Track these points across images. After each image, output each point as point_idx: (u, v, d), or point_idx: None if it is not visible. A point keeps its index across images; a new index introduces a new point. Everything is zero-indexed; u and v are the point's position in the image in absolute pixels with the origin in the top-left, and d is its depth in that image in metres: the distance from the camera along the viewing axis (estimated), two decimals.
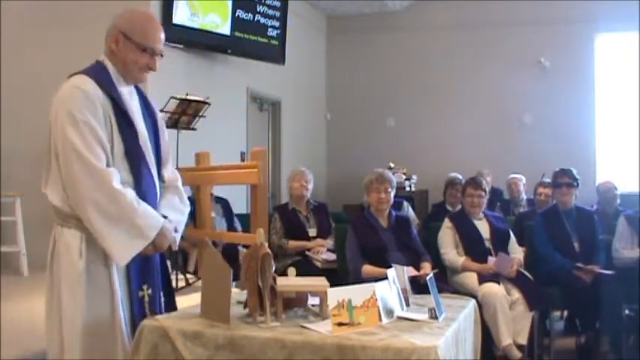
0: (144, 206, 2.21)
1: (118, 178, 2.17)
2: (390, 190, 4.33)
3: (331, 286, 2.23)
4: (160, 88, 5.14)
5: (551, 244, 4.65)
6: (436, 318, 2.28)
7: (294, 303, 2.34)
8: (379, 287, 2.28)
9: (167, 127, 4.49)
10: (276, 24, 7.29)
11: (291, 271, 2.40)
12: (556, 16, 8.25)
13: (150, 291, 2.33)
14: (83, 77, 2.23)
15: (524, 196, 6.66)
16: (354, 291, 2.19)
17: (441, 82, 8.83)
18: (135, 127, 2.29)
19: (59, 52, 5.47)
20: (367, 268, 4.12)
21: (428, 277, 2.52)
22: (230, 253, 4.13)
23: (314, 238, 5.11)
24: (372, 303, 2.19)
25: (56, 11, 5.74)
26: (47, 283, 2.25)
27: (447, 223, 4.63)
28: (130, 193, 2.18)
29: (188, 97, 4.83)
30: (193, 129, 5.11)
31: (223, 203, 5.21)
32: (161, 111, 4.53)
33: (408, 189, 8.12)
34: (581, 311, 4.61)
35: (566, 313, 5.33)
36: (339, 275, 4.44)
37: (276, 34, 7.30)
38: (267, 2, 7.15)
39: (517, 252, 4.57)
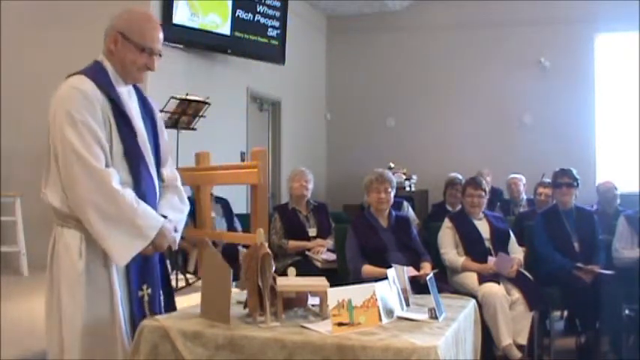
0: (143, 206, 2.20)
1: (117, 178, 2.17)
2: (390, 190, 4.33)
3: (331, 286, 2.23)
4: (160, 88, 5.15)
5: (551, 244, 4.65)
6: (436, 318, 2.28)
7: (294, 303, 2.34)
8: (379, 287, 2.28)
9: (167, 127, 4.52)
10: (276, 24, 7.29)
11: (291, 271, 2.40)
12: (556, 16, 8.25)
13: (149, 291, 2.33)
14: (81, 77, 2.23)
15: (524, 196, 6.66)
16: (354, 291, 2.19)
17: (441, 82, 8.83)
18: (134, 127, 2.29)
19: (59, 52, 5.47)
20: (367, 268, 4.12)
21: (428, 277, 2.52)
22: (230, 253, 4.13)
23: (314, 238, 5.11)
24: (372, 303, 2.19)
25: (56, 11, 5.74)
26: (47, 283, 2.25)
27: (447, 223, 4.63)
28: (130, 194, 2.18)
29: (188, 97, 4.83)
30: (193, 129, 5.11)
31: (223, 203, 5.21)
32: (161, 111, 4.54)
33: (408, 189, 8.12)
34: (581, 311, 4.61)
35: (566, 313, 5.33)
36: (339, 275, 4.44)
37: (276, 34, 7.30)
38: (267, 2, 7.15)
39: (517, 252, 4.57)
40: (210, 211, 4.65)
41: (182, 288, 4.32)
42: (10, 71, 5.70)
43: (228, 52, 6.75)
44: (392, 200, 4.39)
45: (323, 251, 4.99)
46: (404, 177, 8.11)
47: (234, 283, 2.42)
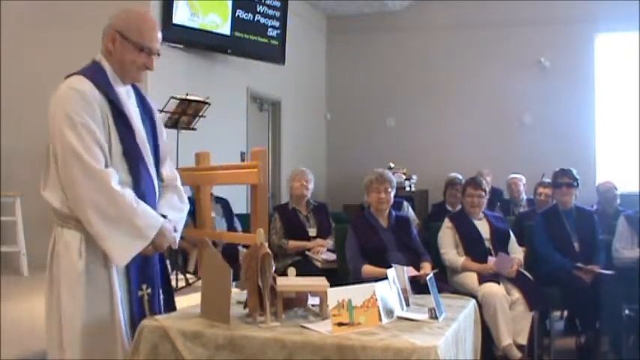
0: (143, 206, 2.20)
1: (116, 178, 2.17)
2: (390, 190, 4.33)
3: (331, 286, 2.24)
4: (160, 88, 5.16)
5: (551, 244, 4.65)
6: (436, 318, 2.28)
7: (294, 303, 2.34)
8: (379, 287, 2.28)
9: (167, 127, 4.53)
10: (276, 24, 7.29)
11: (291, 271, 2.40)
12: (556, 16, 8.25)
13: (149, 290, 2.33)
14: (80, 78, 2.23)
15: (524, 196, 6.66)
16: (354, 291, 2.19)
17: (441, 82, 8.83)
18: (132, 126, 2.29)
19: (59, 52, 5.47)
20: (367, 268, 4.12)
21: (428, 277, 2.52)
22: (230, 253, 4.13)
23: (314, 238, 5.11)
24: (372, 303, 2.19)
25: (56, 11, 5.74)
26: (47, 283, 2.25)
27: (447, 223, 4.63)
28: (129, 194, 2.18)
29: (188, 97, 4.83)
30: (193, 129, 5.11)
31: (223, 203, 5.21)
32: (161, 111, 4.54)
33: (408, 189, 8.12)
34: (581, 311, 4.61)
35: (566, 313, 5.33)
36: (339, 275, 4.44)
37: (276, 34, 7.30)
38: (267, 2, 7.15)
39: (517, 252, 4.57)
40: (210, 211, 4.65)
41: (182, 288, 4.32)
42: (10, 71, 5.70)
43: (228, 52, 6.75)
44: (392, 200, 4.39)
45: (323, 251, 4.98)
46: (404, 177, 8.11)
47: (234, 283, 2.42)
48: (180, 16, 6.03)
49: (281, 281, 2.28)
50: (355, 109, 9.26)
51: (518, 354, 4.09)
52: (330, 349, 1.95)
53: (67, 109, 2.15)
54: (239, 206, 6.07)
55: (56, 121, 2.16)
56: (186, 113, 4.92)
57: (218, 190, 5.06)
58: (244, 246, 4.39)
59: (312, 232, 5.15)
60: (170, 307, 2.47)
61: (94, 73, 2.26)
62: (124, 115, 2.27)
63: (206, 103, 4.99)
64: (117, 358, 2.21)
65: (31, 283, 4.69)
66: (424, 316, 2.31)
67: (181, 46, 6.16)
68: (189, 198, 2.66)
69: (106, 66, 2.30)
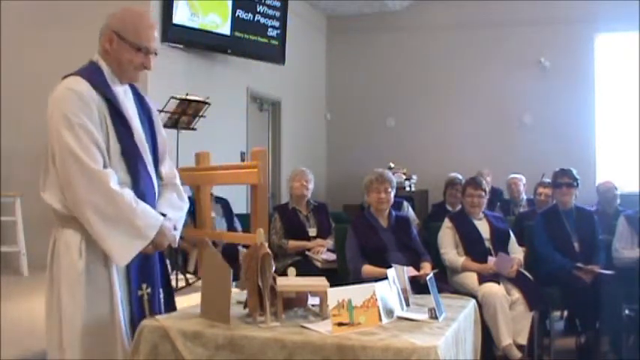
0: (142, 206, 2.21)
1: (115, 178, 2.17)
2: (390, 190, 4.33)
3: (331, 286, 2.24)
4: (160, 88, 5.16)
5: (551, 244, 4.65)
6: (436, 318, 2.28)
7: (294, 303, 2.34)
8: (379, 287, 2.28)
9: (167, 127, 4.53)
10: (276, 24, 7.29)
11: (291, 271, 2.40)
12: (556, 16, 8.25)
13: (149, 290, 2.33)
14: (77, 79, 2.22)
15: (524, 196, 6.66)
16: (354, 291, 2.19)
17: (441, 82, 8.83)
18: (130, 126, 2.29)
19: (59, 52, 5.46)
20: (367, 268, 4.12)
21: (428, 277, 2.52)
22: (230, 253, 4.13)
23: (314, 238, 5.11)
24: (372, 303, 2.19)
25: (56, 11, 5.74)
26: (47, 283, 2.25)
27: (447, 223, 4.63)
28: (128, 194, 2.18)
29: (188, 97, 4.83)
30: (193, 129, 5.11)
31: (223, 203, 5.21)
32: (161, 111, 4.54)
33: (408, 189, 8.12)
34: (581, 311, 4.61)
35: (566, 313, 5.33)
36: (339, 275, 4.44)
37: (276, 34, 7.30)
38: (267, 2, 7.15)
39: (517, 252, 4.57)
40: (210, 211, 4.65)
41: (182, 288, 4.32)
42: (10, 71, 5.70)
43: (228, 52, 6.75)
44: (392, 200, 4.39)
45: (323, 251, 4.98)
46: (404, 177, 8.11)
47: (234, 283, 2.42)
48: (180, 16, 6.03)
49: (281, 281, 2.28)
50: (355, 109, 9.26)
51: (518, 354, 4.09)
52: (330, 349, 1.95)
53: (64, 109, 2.14)
54: (239, 206, 6.07)
55: (54, 122, 2.16)
56: (186, 113, 4.92)
57: (218, 190, 5.06)
58: (244, 246, 4.39)
59: (312, 232, 5.15)
60: (170, 306, 2.47)
61: (91, 74, 2.26)
62: (122, 114, 2.27)
63: (206, 103, 4.99)
64: (117, 358, 2.21)
65: (31, 283, 4.69)
66: (424, 316, 2.31)
67: (181, 46, 6.16)
68: (189, 198, 2.66)
69: (103, 66, 2.30)
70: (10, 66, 5.71)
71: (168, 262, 2.72)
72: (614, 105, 8.36)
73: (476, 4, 8.60)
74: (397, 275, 2.51)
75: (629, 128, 8.06)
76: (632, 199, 6.18)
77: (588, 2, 8.06)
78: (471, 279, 4.31)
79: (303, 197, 5.28)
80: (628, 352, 4.28)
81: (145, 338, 2.15)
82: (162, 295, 2.41)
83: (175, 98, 4.78)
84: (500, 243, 4.51)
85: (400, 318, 2.29)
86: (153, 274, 2.36)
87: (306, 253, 5.00)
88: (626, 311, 4.39)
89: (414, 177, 8.26)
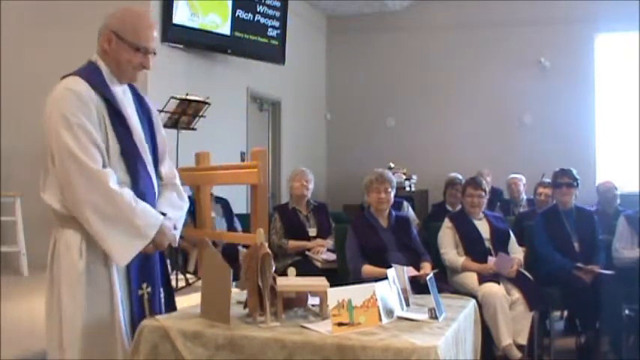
0: (142, 205, 2.20)
1: (114, 178, 2.17)
2: (390, 190, 4.33)
3: (331, 286, 2.24)
4: (160, 88, 5.16)
5: (551, 244, 4.65)
6: (436, 318, 2.28)
7: (294, 303, 2.34)
8: (379, 287, 2.28)
9: (167, 127, 4.53)
10: (276, 24, 7.29)
11: (291, 271, 2.40)
12: (556, 16, 8.26)
13: (149, 289, 2.33)
14: (76, 79, 2.22)
15: (524, 196, 6.66)
16: (354, 291, 2.19)
17: (441, 82, 8.83)
18: (129, 126, 2.28)
19: (59, 52, 5.46)
20: (367, 268, 4.12)
21: (428, 277, 2.52)
22: (230, 253, 4.13)
23: (314, 238, 5.11)
24: (372, 303, 2.19)
25: (56, 11, 5.74)
26: (47, 283, 2.25)
27: (447, 223, 4.63)
28: (128, 193, 2.18)
29: (188, 97, 4.83)
30: (193, 129, 5.11)
31: (223, 203, 5.21)
32: (161, 111, 4.54)
33: (408, 189, 8.12)
34: (581, 311, 4.61)
35: (566, 313, 5.33)
36: (339, 275, 4.44)
37: (276, 34, 7.31)
38: (267, 2, 7.15)
39: (517, 252, 4.57)
40: (210, 211, 4.65)
41: (182, 288, 4.32)
42: (10, 71, 5.70)
43: (228, 52, 6.75)
44: (392, 200, 4.39)
45: (323, 251, 4.99)
46: (404, 177, 8.11)
47: (234, 283, 2.42)
48: (180, 16, 6.03)
49: (281, 281, 2.28)
50: (355, 109, 9.26)
51: (518, 354, 4.09)
52: (330, 349, 1.95)
53: (62, 109, 2.14)
54: (239, 206, 6.07)
55: (52, 122, 2.15)
56: (186, 113, 4.92)
57: (218, 190, 5.06)
58: (244, 246, 4.39)
59: (312, 232, 5.15)
60: (170, 306, 2.47)
61: (90, 74, 2.26)
62: (121, 114, 2.27)
63: (206, 103, 4.99)
64: (117, 358, 2.21)
65: (31, 283, 4.69)
66: (424, 316, 2.31)
67: (181, 46, 6.16)
68: (189, 198, 2.66)
69: (101, 66, 2.30)
70: (10, 66, 5.71)
71: (168, 261, 2.72)
72: (614, 105, 8.36)
73: (476, 4, 8.60)
74: (397, 275, 2.51)
75: (629, 128, 8.07)
76: (632, 199, 6.18)
77: (588, 2, 8.06)
78: (471, 279, 4.31)
79: (303, 197, 5.28)
80: (628, 352, 4.28)
81: (145, 338, 2.15)
82: (162, 295, 2.41)
83: (175, 98, 4.78)
84: (500, 243, 4.51)
85: (400, 318, 2.29)
86: (153, 274, 2.36)
87: (306, 253, 5.00)
88: (626, 311, 4.39)
89: (414, 177, 8.27)
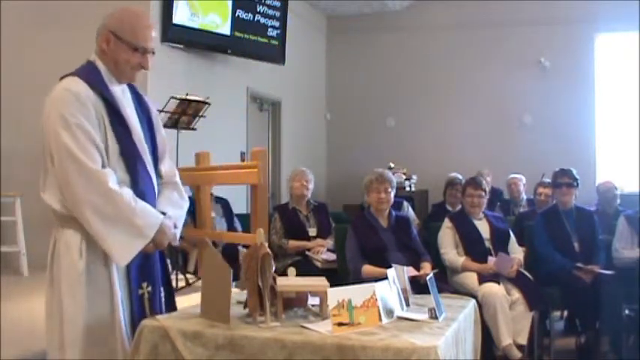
0: (141, 205, 2.20)
1: (113, 178, 2.17)
2: (390, 190, 4.33)
3: (331, 286, 2.24)
4: (160, 88, 5.16)
5: (551, 244, 4.65)
6: (436, 318, 2.28)
7: (294, 303, 2.34)
8: (379, 287, 2.28)
9: (167, 127, 4.53)
10: (276, 24, 7.29)
11: (291, 271, 2.40)
12: (556, 16, 8.26)
13: (149, 289, 2.33)
14: (74, 79, 2.22)
15: (524, 196, 6.66)
16: (354, 291, 2.19)
17: (441, 82, 8.83)
18: (128, 125, 2.28)
19: (59, 52, 5.46)
20: (367, 268, 4.12)
21: (428, 277, 2.52)
22: (230, 253, 4.13)
23: (314, 237, 5.11)
24: (372, 303, 2.19)
25: (56, 11, 5.74)
26: (47, 283, 2.25)
27: (447, 223, 4.63)
28: (127, 193, 2.18)
29: (188, 97, 4.83)
30: (193, 129, 5.11)
31: (223, 203, 5.21)
32: (161, 111, 4.54)
33: (408, 189, 8.13)
34: (581, 311, 4.61)
35: (566, 313, 5.32)
36: (339, 275, 4.44)
37: (276, 34, 7.31)
38: (267, 2, 7.15)
39: (517, 252, 4.57)
40: (210, 211, 4.65)
41: (182, 288, 4.32)
42: (10, 71, 5.70)
43: (228, 52, 6.75)
44: (392, 200, 4.39)
45: (323, 251, 4.98)
46: (404, 177, 8.11)
47: (234, 283, 2.42)
48: (180, 16, 6.03)
49: (281, 281, 2.28)
50: (355, 109, 9.26)
51: (518, 354, 4.09)
52: (330, 349, 1.95)
53: (61, 110, 2.14)
54: (239, 206, 6.07)
55: (51, 122, 2.15)
56: (186, 113, 4.92)
57: (218, 190, 5.06)
58: (244, 246, 4.39)
59: (312, 232, 5.15)
60: (171, 305, 2.47)
61: (89, 74, 2.26)
62: (120, 114, 2.27)
63: (206, 103, 4.99)
64: (117, 357, 2.21)
65: (31, 283, 4.69)
66: (424, 316, 2.31)
67: (181, 46, 6.16)
68: (189, 198, 2.66)
69: (100, 66, 2.30)
70: (10, 66, 5.71)
71: (168, 261, 2.72)
72: (614, 105, 8.36)
73: (476, 4, 8.60)
74: (397, 275, 2.51)
75: (629, 128, 8.06)
76: (632, 199, 6.18)
77: (588, 2, 8.06)
78: (471, 279, 4.31)
79: (304, 197, 5.28)
80: (628, 352, 4.28)
81: (145, 338, 2.15)
82: (162, 294, 2.41)
83: (175, 98, 4.78)
84: (500, 243, 4.51)
85: (400, 318, 2.29)
86: (153, 273, 2.36)
87: (306, 253, 5.00)
88: (626, 311, 4.39)
89: (414, 177, 8.27)
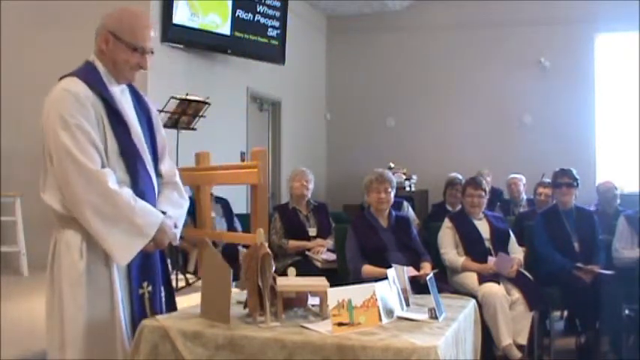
0: (141, 204, 2.20)
1: (113, 178, 2.17)
2: (390, 190, 4.33)
3: (331, 286, 2.24)
4: (160, 88, 5.16)
5: (551, 244, 4.65)
6: (436, 318, 2.28)
7: (294, 303, 2.34)
8: (379, 287, 2.28)
9: (167, 127, 4.53)
10: (276, 24, 7.29)
11: (291, 271, 2.40)
12: (556, 16, 8.25)
13: (150, 288, 2.33)
14: (73, 79, 2.22)
15: (524, 196, 6.66)
16: (354, 291, 2.19)
17: (441, 82, 8.83)
18: (128, 125, 2.28)
19: (59, 52, 5.45)
20: (367, 268, 4.12)
21: (428, 277, 2.52)
22: (230, 253, 4.13)
23: (314, 237, 5.11)
24: (372, 303, 2.19)
25: (56, 11, 5.74)
26: (48, 283, 2.25)
27: (447, 223, 4.63)
28: (127, 192, 2.18)
29: (188, 97, 4.83)
30: (193, 129, 5.11)
31: (223, 203, 5.21)
32: (161, 111, 4.54)
33: (408, 189, 8.12)
34: (581, 311, 4.61)
35: (566, 313, 5.33)
36: (339, 275, 4.44)
37: (276, 34, 7.31)
38: (267, 2, 7.15)
39: (517, 252, 4.57)
40: (210, 211, 4.65)
41: (182, 288, 4.32)
42: (10, 71, 5.70)
43: (228, 52, 6.75)
44: (392, 200, 4.39)
45: (323, 251, 4.99)
46: (404, 177, 8.11)
47: (234, 283, 2.42)
48: (180, 16, 6.03)
49: (281, 281, 2.28)
50: (355, 109, 9.26)
51: (518, 354, 4.09)
52: (330, 349, 1.95)
53: (60, 110, 2.14)
54: (239, 206, 6.07)
55: (50, 123, 2.16)
56: (186, 113, 4.92)
57: (218, 190, 5.06)
58: (244, 246, 4.39)
59: (312, 232, 5.16)
60: (171, 305, 2.47)
61: (87, 74, 2.26)
62: (119, 114, 2.27)
63: (206, 103, 4.99)
64: (117, 357, 2.21)
65: (31, 283, 4.69)
66: (424, 316, 2.31)
67: (181, 46, 6.16)
68: (189, 198, 2.66)
69: (99, 66, 2.30)
70: (10, 66, 5.71)
71: (169, 261, 2.72)
72: (614, 105, 8.35)
73: (476, 4, 8.60)
74: (397, 275, 2.51)
75: (629, 128, 8.06)
76: (632, 199, 6.18)
77: (588, 2, 8.06)
78: (471, 279, 4.31)
79: (303, 197, 5.28)
80: (628, 352, 4.28)
81: (145, 338, 2.15)
82: (163, 294, 2.41)
83: (175, 98, 4.78)
84: (500, 243, 4.51)
85: (400, 318, 2.29)
86: (154, 273, 2.36)
87: (306, 253, 5.00)
88: (626, 311, 4.39)
89: (414, 177, 8.27)
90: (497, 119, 8.59)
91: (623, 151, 8.17)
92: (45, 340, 2.27)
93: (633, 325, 4.33)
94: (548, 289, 4.46)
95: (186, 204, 2.49)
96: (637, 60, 7.94)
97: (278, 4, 7.27)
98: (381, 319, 2.19)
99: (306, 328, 2.11)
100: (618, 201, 5.78)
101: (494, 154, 8.30)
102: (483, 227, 4.56)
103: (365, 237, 4.26)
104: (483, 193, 4.61)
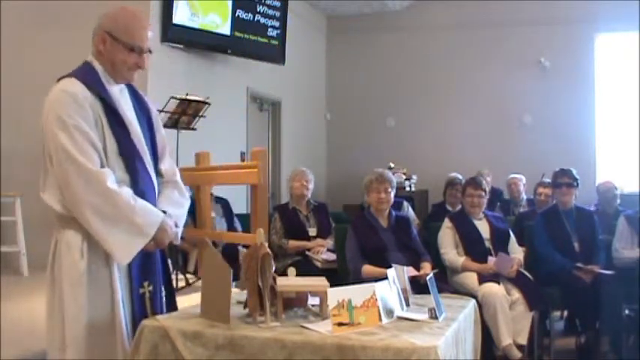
0: (141, 203, 2.20)
1: (112, 178, 2.17)
2: (390, 190, 4.33)
3: (331, 286, 2.24)
4: (160, 88, 5.16)
5: (551, 244, 4.65)
6: (436, 318, 2.28)
7: (294, 303, 2.34)
8: (379, 287, 2.28)
9: (167, 127, 4.54)
10: (276, 24, 7.29)
11: (291, 271, 2.40)
12: (556, 16, 8.26)
13: (150, 287, 2.33)
14: (71, 80, 2.22)
15: (524, 196, 6.66)
16: (354, 291, 2.19)
17: (441, 82, 8.83)
18: (127, 125, 2.28)
19: (59, 52, 5.45)
20: (367, 268, 4.12)
21: (428, 277, 2.52)
22: (230, 253, 4.13)
23: (314, 237, 5.11)
24: (372, 303, 2.19)
25: (56, 11, 5.74)
26: (48, 283, 2.25)
27: (447, 223, 4.63)
28: (126, 192, 2.18)
29: (188, 97, 4.83)
30: (193, 129, 5.11)
31: (223, 203, 5.21)
32: (161, 111, 4.54)
33: (408, 189, 8.13)
34: (581, 311, 4.61)
35: (566, 313, 5.32)
36: (339, 275, 4.44)
37: (276, 34, 7.31)
38: (267, 2, 7.15)
39: (517, 252, 4.57)
40: (210, 211, 4.64)
41: (182, 288, 4.32)
42: (10, 71, 5.70)
43: (228, 52, 6.75)
44: (392, 200, 4.39)
45: (323, 251, 4.99)
46: (404, 177, 8.11)
47: (234, 283, 2.42)
48: (180, 16, 6.03)
49: (281, 281, 2.28)
50: (355, 109, 9.26)
51: (518, 354, 4.09)
52: (330, 349, 1.95)
53: (59, 111, 2.14)
54: (239, 206, 6.07)
55: (49, 124, 2.16)
56: (186, 113, 4.92)
57: (218, 190, 5.06)
58: (244, 246, 4.39)
59: (312, 232, 5.16)
60: (171, 305, 2.47)
61: (86, 74, 2.26)
62: (118, 114, 2.26)
63: (206, 103, 4.99)
64: (117, 357, 2.21)
65: (31, 283, 4.69)
66: (424, 316, 2.31)
67: (181, 46, 6.16)
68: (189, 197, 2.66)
69: (97, 66, 2.29)
70: (10, 66, 5.71)
71: (169, 260, 2.72)
72: (614, 105, 8.35)
73: (476, 4, 8.60)
74: (397, 275, 2.51)
75: (629, 128, 8.06)
76: (632, 199, 6.18)
77: (588, 2, 8.06)
78: (471, 279, 4.31)
79: (303, 197, 5.28)
80: (628, 352, 4.28)
81: (145, 338, 2.15)
82: (163, 294, 2.41)
83: (175, 98, 4.78)
84: (500, 243, 4.51)
85: (400, 318, 2.29)
86: (154, 272, 2.36)
87: (306, 253, 5.00)
88: (626, 311, 4.39)
89: (414, 177, 8.27)
90: (497, 119, 8.59)
91: (623, 151, 8.17)
92: (45, 340, 2.27)
93: (633, 325, 4.33)
94: (548, 289, 4.46)
95: (187, 203, 2.49)
96: (637, 60, 7.94)
97: (278, 4, 7.28)
98: (381, 319, 2.19)
99: (306, 328, 2.11)
100: (618, 201, 5.78)
101: (494, 154, 8.30)
102: (483, 227, 4.56)
103: (365, 237, 4.26)
104: (483, 193, 4.61)
